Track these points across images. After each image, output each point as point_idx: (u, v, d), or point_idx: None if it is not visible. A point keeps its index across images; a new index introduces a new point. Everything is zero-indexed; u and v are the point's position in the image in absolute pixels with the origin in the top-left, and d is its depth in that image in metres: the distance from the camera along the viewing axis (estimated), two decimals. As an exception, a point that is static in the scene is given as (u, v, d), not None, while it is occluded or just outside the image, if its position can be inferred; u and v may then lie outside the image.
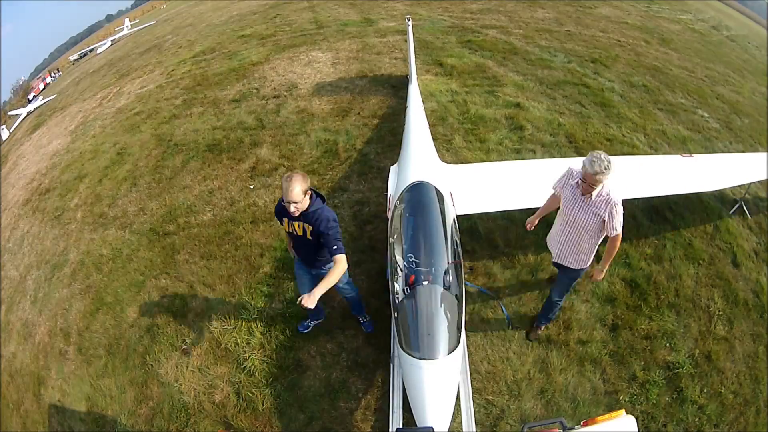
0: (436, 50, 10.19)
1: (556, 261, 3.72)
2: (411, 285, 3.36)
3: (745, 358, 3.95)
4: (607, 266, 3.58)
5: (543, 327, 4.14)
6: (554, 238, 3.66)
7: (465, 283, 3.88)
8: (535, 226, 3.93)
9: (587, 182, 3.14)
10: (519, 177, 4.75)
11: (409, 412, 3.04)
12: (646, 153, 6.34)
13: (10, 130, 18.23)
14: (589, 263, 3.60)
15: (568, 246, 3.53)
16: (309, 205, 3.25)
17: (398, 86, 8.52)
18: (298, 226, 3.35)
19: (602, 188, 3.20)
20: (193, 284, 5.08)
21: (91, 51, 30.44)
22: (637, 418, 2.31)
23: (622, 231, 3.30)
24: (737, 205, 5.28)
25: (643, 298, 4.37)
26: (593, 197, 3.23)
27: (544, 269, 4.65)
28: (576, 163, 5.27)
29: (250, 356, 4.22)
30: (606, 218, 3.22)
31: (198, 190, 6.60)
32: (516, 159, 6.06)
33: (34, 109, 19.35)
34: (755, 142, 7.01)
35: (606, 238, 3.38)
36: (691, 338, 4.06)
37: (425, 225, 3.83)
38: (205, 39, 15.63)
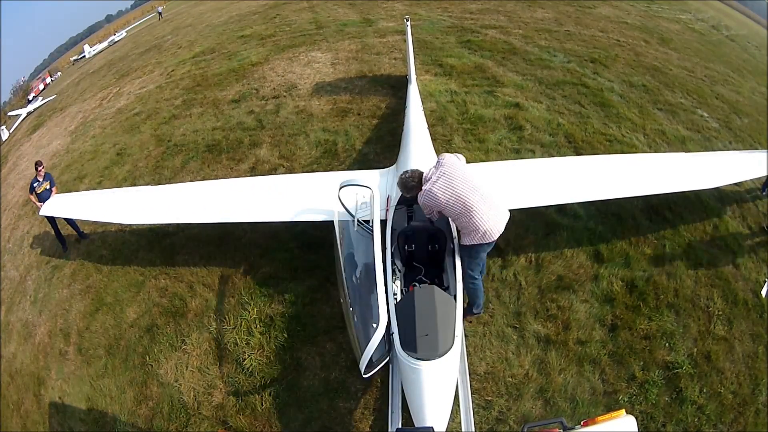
0: (436, 50, 10.19)
1: None
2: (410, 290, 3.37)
3: (744, 358, 3.95)
4: None
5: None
6: None
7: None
8: None
9: None
10: (518, 177, 4.75)
11: (408, 412, 3.04)
12: (645, 152, 6.34)
13: (10, 131, 18.23)
14: None
15: None
16: None
17: (397, 86, 8.52)
18: None
19: None
20: (192, 284, 5.09)
21: (82, 57, 30.43)
22: (636, 418, 2.30)
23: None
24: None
25: (642, 298, 4.37)
26: None
27: (543, 268, 4.66)
28: (576, 162, 5.28)
29: (249, 356, 4.22)
30: None
31: (197, 191, 6.59)
32: (515, 159, 6.06)
33: (34, 110, 19.36)
34: (755, 141, 7.01)
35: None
36: (690, 338, 4.06)
37: (424, 226, 3.83)
38: (204, 39, 15.65)
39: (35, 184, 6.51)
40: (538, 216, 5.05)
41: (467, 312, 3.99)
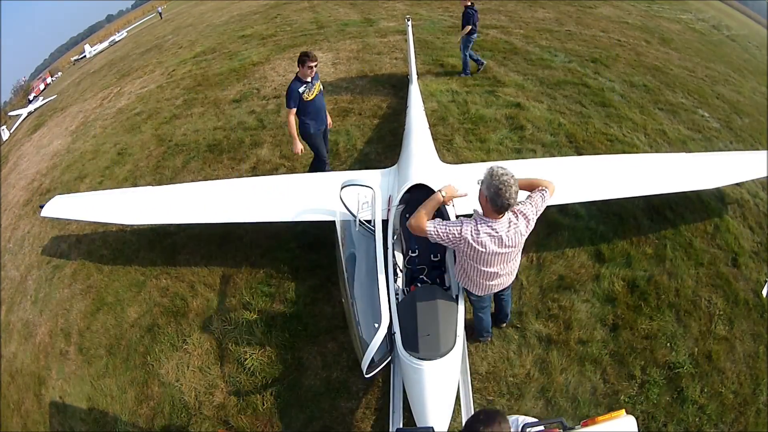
0: (437, 50, 10.19)
1: None
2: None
3: (745, 357, 3.94)
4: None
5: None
6: None
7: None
8: None
9: None
10: (519, 177, 4.74)
11: (409, 412, 3.04)
12: (646, 152, 6.34)
13: (11, 131, 18.26)
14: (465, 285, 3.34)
15: None
16: None
17: (399, 86, 8.52)
18: None
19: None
20: (193, 284, 5.09)
21: (83, 57, 30.53)
22: (637, 418, 2.30)
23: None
24: None
25: (643, 298, 4.37)
26: None
27: (544, 267, 4.66)
28: (576, 162, 5.26)
29: (250, 356, 4.22)
30: None
31: (198, 191, 6.58)
32: (516, 159, 6.06)
33: (35, 110, 19.39)
34: (755, 141, 7.01)
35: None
36: (691, 338, 4.06)
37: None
38: (205, 39, 15.67)
39: (302, 89, 4.61)
40: (539, 216, 5.04)
41: (473, 336, 3.97)
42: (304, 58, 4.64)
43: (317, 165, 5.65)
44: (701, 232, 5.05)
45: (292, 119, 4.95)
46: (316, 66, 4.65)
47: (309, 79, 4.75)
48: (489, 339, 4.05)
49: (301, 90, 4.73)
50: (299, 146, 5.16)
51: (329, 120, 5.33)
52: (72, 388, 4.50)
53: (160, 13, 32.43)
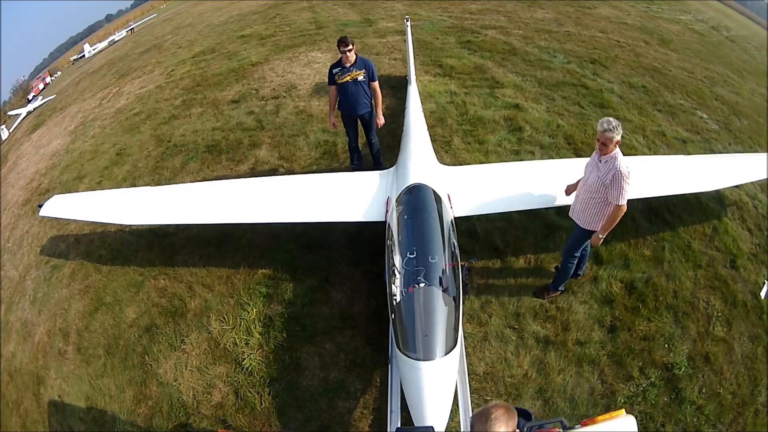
0: (436, 51, 10.19)
1: (570, 215, 4.03)
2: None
3: (743, 359, 3.96)
4: (603, 233, 3.75)
5: (554, 290, 4.36)
6: (575, 195, 4.00)
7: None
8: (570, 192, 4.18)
9: (599, 141, 3.50)
10: (518, 178, 4.76)
11: (407, 412, 3.05)
12: (645, 154, 6.35)
13: (10, 130, 18.20)
14: (595, 226, 3.77)
15: (579, 203, 3.86)
16: None
17: (397, 87, 8.51)
18: None
19: (614, 154, 3.50)
20: (192, 285, 5.09)
21: (82, 57, 30.34)
22: (636, 418, 2.31)
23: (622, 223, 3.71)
24: None
25: (641, 299, 4.38)
26: (602, 161, 3.56)
27: (542, 270, 4.66)
28: (575, 164, 5.32)
29: (248, 356, 4.23)
30: (607, 184, 3.52)
31: (197, 191, 6.57)
32: (515, 160, 6.07)
33: (34, 109, 19.34)
34: (754, 143, 7.02)
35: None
36: (689, 339, 4.07)
37: (423, 227, 3.84)
38: (204, 39, 15.64)
39: (335, 71, 5.00)
40: (537, 218, 5.06)
41: (550, 288, 4.31)
42: (338, 43, 5.05)
43: (350, 147, 6.05)
44: (699, 234, 5.06)
45: (331, 95, 5.39)
46: (348, 51, 4.93)
47: (347, 65, 5.04)
48: (552, 291, 4.40)
49: (334, 71, 5.09)
50: (331, 120, 5.67)
51: (380, 120, 5.61)
52: (70, 387, 4.50)
53: (132, 29, 30.66)
